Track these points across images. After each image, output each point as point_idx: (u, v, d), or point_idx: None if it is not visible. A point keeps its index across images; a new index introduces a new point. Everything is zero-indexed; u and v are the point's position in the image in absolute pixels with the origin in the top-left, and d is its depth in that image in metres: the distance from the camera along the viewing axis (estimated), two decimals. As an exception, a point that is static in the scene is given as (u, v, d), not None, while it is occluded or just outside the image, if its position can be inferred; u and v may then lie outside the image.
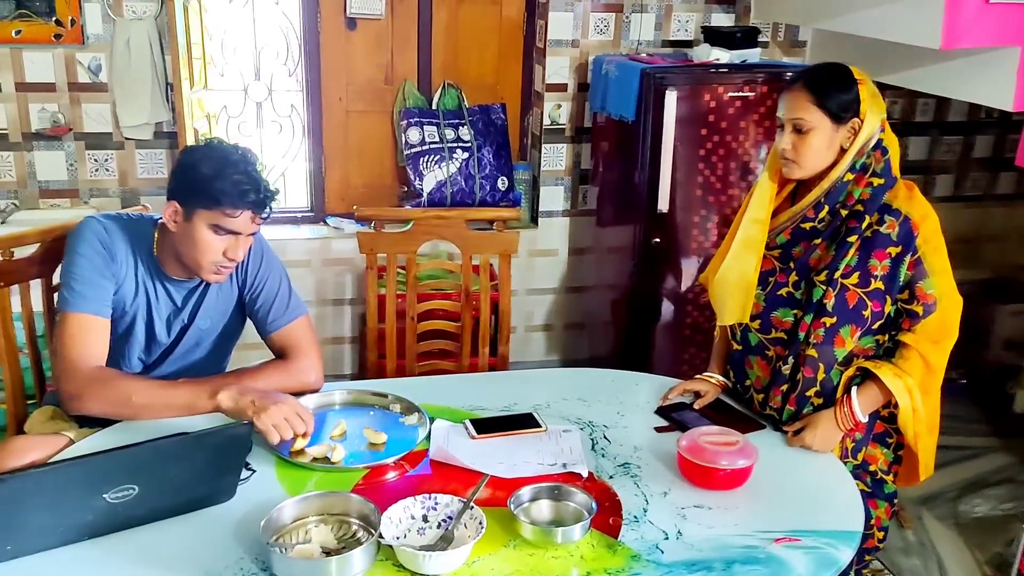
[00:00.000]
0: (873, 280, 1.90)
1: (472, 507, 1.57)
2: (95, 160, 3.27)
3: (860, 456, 1.99)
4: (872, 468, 2.01)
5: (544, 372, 2.40)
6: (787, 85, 1.95)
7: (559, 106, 3.54)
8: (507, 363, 2.72)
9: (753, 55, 3.01)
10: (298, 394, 2.01)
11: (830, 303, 1.91)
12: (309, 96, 3.49)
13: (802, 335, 1.96)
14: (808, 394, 1.97)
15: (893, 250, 1.89)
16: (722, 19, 3.53)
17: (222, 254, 1.88)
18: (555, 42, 3.47)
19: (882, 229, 1.89)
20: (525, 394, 2.17)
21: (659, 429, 1.99)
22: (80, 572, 1.46)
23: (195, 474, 1.54)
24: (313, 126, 3.55)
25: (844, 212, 1.92)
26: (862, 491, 1.98)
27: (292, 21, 3.43)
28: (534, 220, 3.71)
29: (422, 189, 3.46)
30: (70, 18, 3.07)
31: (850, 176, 1.91)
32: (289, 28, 3.45)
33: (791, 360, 1.98)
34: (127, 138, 3.23)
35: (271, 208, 1.91)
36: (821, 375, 1.95)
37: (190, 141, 3.10)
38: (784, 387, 2.00)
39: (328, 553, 1.49)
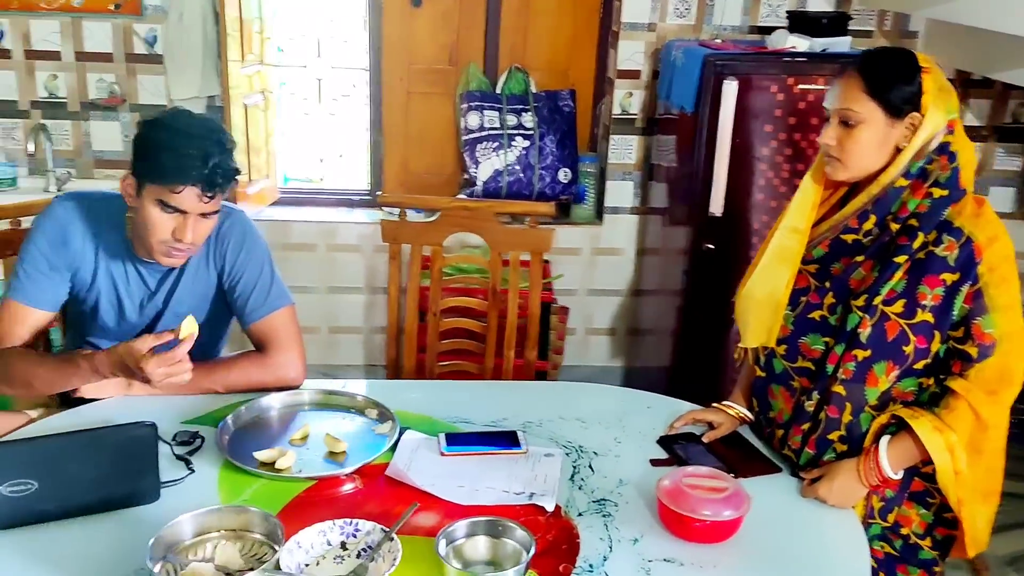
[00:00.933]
0: (920, 311, 1.59)
1: (393, 538, 1.39)
2: (150, 132, 3.26)
3: (891, 518, 1.68)
4: (905, 531, 1.69)
5: (548, 385, 2.19)
6: (838, 71, 1.67)
7: (630, 94, 3.29)
8: (532, 369, 2.52)
9: (840, 44, 2.67)
10: (277, 390, 1.90)
11: (865, 333, 1.62)
12: (372, 75, 3.38)
13: (830, 368, 1.67)
14: (831, 437, 1.68)
15: (949, 277, 1.58)
16: (820, 3, 3.18)
17: (171, 234, 1.75)
18: (629, 25, 3.21)
19: (938, 250, 1.58)
20: (521, 408, 1.96)
21: (655, 462, 1.75)
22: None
23: (102, 473, 1.42)
24: (374, 107, 3.43)
25: (895, 226, 1.62)
26: (888, 555, 1.68)
27: (357, -3, 3.33)
28: (599, 216, 3.47)
29: (477, 177, 3.28)
30: (129, -12, 3.07)
31: (904, 182, 1.61)
32: (354, 3, 3.34)
33: (815, 395, 1.69)
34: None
35: (223, 188, 1.74)
36: (847, 417, 1.65)
37: (237, 116, 3.03)
38: (805, 426, 1.71)
39: (229, 575, 1.34)
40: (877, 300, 1.61)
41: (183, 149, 1.69)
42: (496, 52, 3.36)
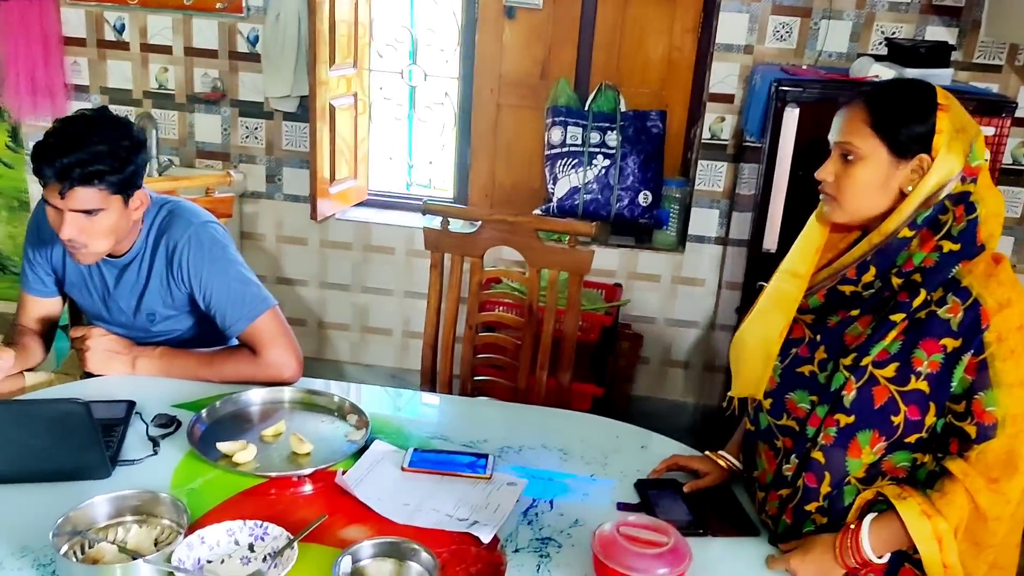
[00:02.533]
0: (914, 378, 1.41)
1: (293, 547, 1.36)
2: (246, 127, 3.41)
3: None
4: (889, 619, 1.50)
5: (545, 411, 2.07)
6: (846, 101, 1.51)
7: (722, 119, 3.13)
8: (567, 392, 2.43)
9: (939, 76, 2.42)
10: (272, 387, 1.93)
11: (849, 396, 1.44)
12: (463, 85, 3.38)
13: (811, 430, 1.50)
14: (808, 508, 1.50)
15: (950, 342, 1.39)
16: (940, 33, 2.91)
17: (58, 232, 1.83)
18: (724, 46, 3.06)
19: (940, 312, 1.40)
20: (505, 431, 1.90)
21: (622, 506, 1.63)
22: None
23: (44, 443, 1.48)
24: (463, 117, 3.43)
25: (898, 281, 1.44)
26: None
27: (455, 6, 3.34)
28: (682, 244, 3.32)
29: (553, 194, 3.22)
30: (234, -11, 3.22)
31: (909, 233, 1.43)
32: (450, 13, 3.36)
33: (794, 459, 1.53)
34: (276, 109, 3.33)
35: (79, 185, 1.76)
36: (826, 488, 1.48)
37: (322, 117, 3.11)
38: (784, 492, 1.55)
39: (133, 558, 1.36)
40: (866, 360, 1.44)
41: (45, 147, 1.77)
42: (588, 68, 3.29)
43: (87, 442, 1.49)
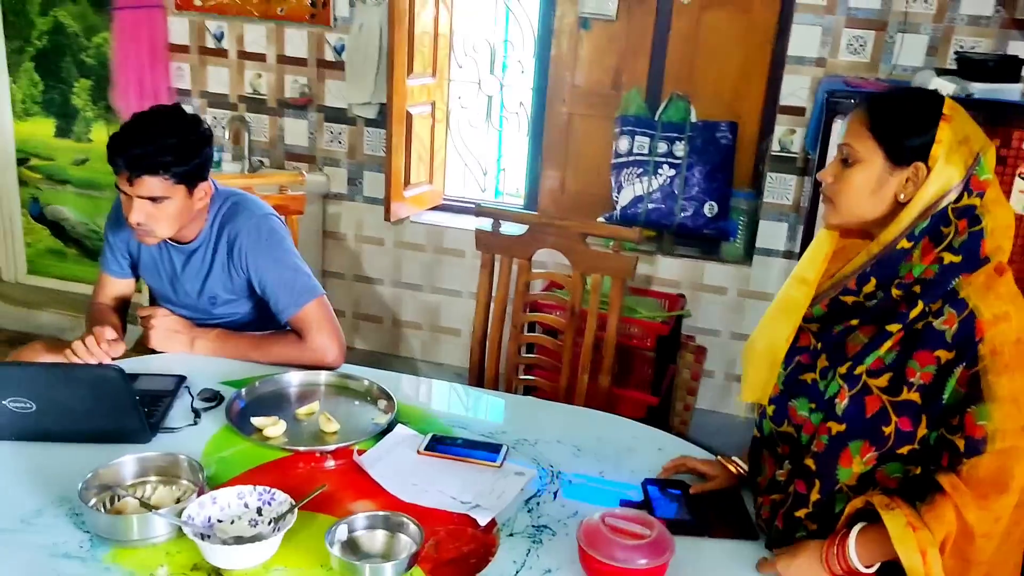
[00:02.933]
0: (907, 388, 1.40)
1: (294, 512, 1.46)
2: (331, 132, 3.59)
3: None
4: (876, 632, 1.48)
5: (568, 409, 2.11)
6: (854, 106, 1.52)
7: (792, 132, 3.10)
8: (605, 395, 2.46)
9: (1008, 91, 2.34)
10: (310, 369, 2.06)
11: (841, 404, 1.45)
12: (536, 95, 3.47)
13: (805, 438, 1.51)
14: (798, 514, 1.50)
15: (943, 354, 1.38)
16: (1021, 48, 2.81)
17: (127, 216, 2.00)
18: (796, 59, 3.04)
19: (936, 323, 1.39)
20: (528, 425, 1.97)
21: (624, 503, 1.67)
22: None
23: (86, 406, 1.63)
24: (535, 126, 3.52)
25: (898, 292, 1.43)
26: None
27: (531, 17, 3.43)
28: (748, 256, 3.29)
29: (617, 202, 3.26)
30: (323, 1, 3.40)
31: (907, 244, 1.42)
32: (527, 24, 3.45)
33: (787, 465, 1.54)
34: (358, 115, 3.49)
35: (147, 173, 1.94)
36: (815, 495, 1.48)
37: (398, 123, 3.25)
38: (775, 497, 1.56)
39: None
40: (860, 369, 1.44)
41: (118, 138, 1.96)
42: (660, 79, 3.32)
43: (124, 406, 1.64)
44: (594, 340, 2.47)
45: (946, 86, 2.28)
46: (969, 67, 2.44)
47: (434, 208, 3.61)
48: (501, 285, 2.54)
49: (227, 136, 3.57)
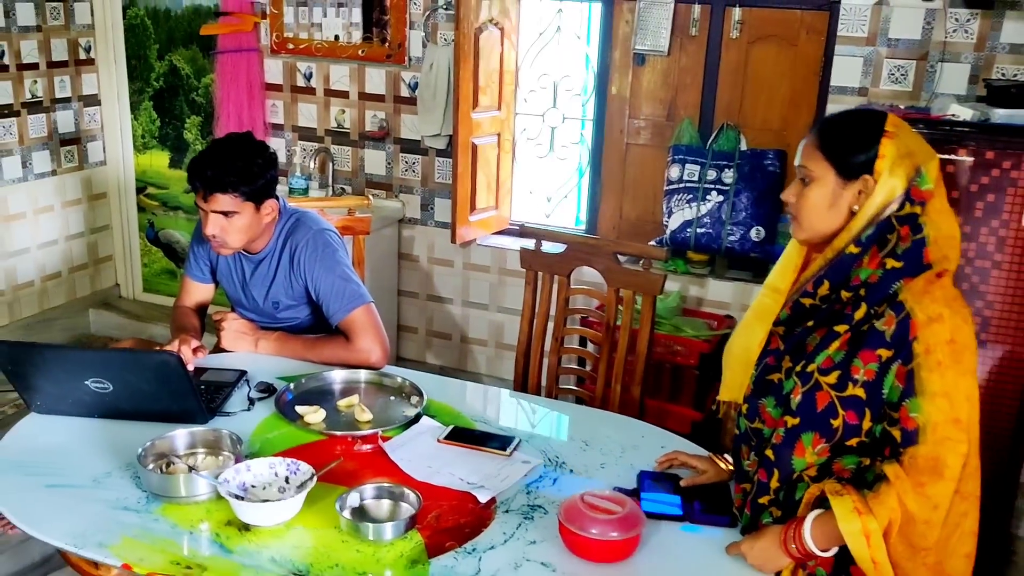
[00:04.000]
0: (852, 385, 1.53)
1: (313, 480, 1.69)
2: (406, 162, 3.88)
3: None
4: (835, 614, 1.60)
5: (583, 410, 2.28)
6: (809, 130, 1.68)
7: (837, 159, 3.18)
8: (637, 404, 2.61)
9: (1029, 116, 2.40)
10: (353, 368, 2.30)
11: (795, 400, 1.59)
12: (596, 126, 3.67)
13: (767, 431, 1.65)
14: (761, 501, 1.64)
15: (884, 352, 1.51)
16: (1068, 75, 2.84)
17: (205, 228, 2.28)
18: (838, 89, 3.14)
19: (878, 324, 1.52)
20: (544, 423, 2.17)
21: (617, 489, 1.82)
22: (66, 430, 1.94)
23: (148, 388, 1.91)
24: (594, 155, 3.72)
25: (847, 295, 1.57)
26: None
27: (591, 54, 3.64)
28: (797, 280, 3.38)
29: (667, 227, 3.41)
30: (399, 42, 3.71)
31: (855, 250, 1.55)
32: (587, 61, 3.67)
33: (753, 456, 1.68)
34: (429, 147, 3.77)
35: (219, 191, 2.21)
36: (775, 483, 1.62)
37: (463, 153, 3.51)
38: (746, 486, 1.70)
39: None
40: (811, 367, 1.58)
41: (197, 161, 2.26)
42: (712, 109, 3.47)
43: (183, 390, 1.91)
44: (627, 352, 2.63)
45: (964, 111, 2.36)
46: (994, 93, 2.51)
47: (500, 232, 3.84)
48: (543, 300, 2.74)
49: (314, 166, 3.91)
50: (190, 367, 2.24)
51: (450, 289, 3.95)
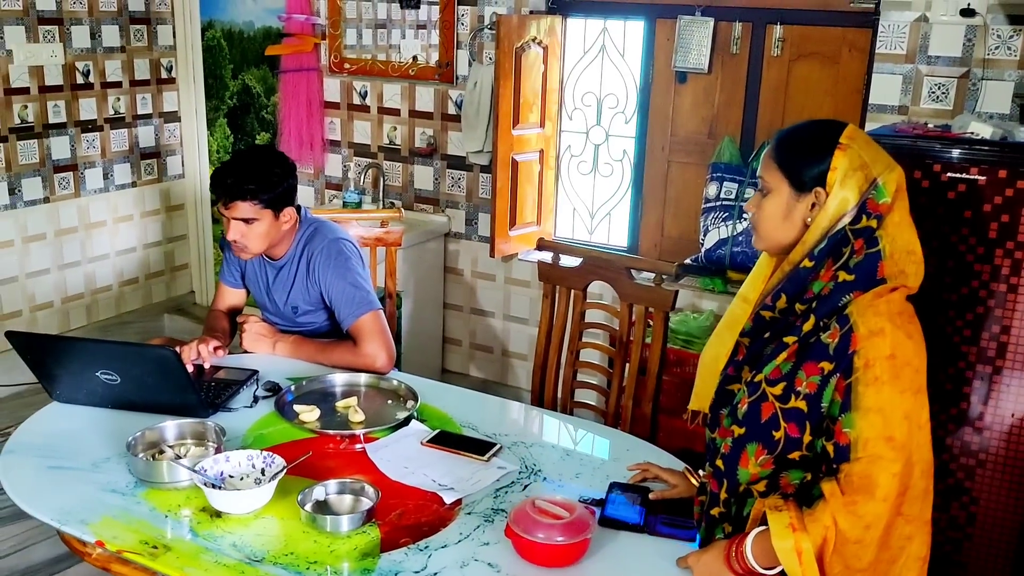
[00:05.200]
0: (795, 397, 1.52)
1: (283, 471, 1.77)
2: (452, 177, 3.98)
3: None
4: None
5: (575, 420, 2.27)
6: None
7: (876, 179, 3.10)
8: (647, 421, 2.61)
9: (1062, 135, 2.30)
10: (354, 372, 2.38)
11: (742, 410, 1.59)
12: (638, 144, 3.68)
13: (719, 441, 1.64)
14: (713, 512, 1.64)
15: (826, 365, 1.50)
16: (1118, 93, 2.71)
17: (227, 233, 2.41)
18: (877, 107, 3.07)
19: (823, 337, 1.51)
20: (532, 431, 2.22)
21: (583, 500, 1.84)
22: (80, 418, 2.09)
23: (151, 381, 2.03)
24: (636, 173, 3.72)
25: (801, 307, 1.56)
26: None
27: (635, 72, 3.66)
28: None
29: (703, 245, 3.38)
30: (447, 61, 3.81)
31: (809, 263, 1.55)
32: (630, 78, 3.68)
33: (708, 467, 1.67)
34: (473, 163, 3.86)
35: (238, 199, 2.33)
36: (724, 494, 1.62)
37: (503, 169, 3.58)
38: (703, 498, 1.69)
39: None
40: (759, 377, 1.58)
41: (219, 170, 2.39)
42: (753, 127, 3.43)
43: (181, 384, 2.03)
44: (639, 368, 2.63)
45: (983, 128, 2.28)
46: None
47: (542, 248, 3.89)
48: (559, 314, 2.77)
49: (367, 181, 4.06)
50: (206, 365, 2.38)
51: (492, 303, 4.02)
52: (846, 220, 1.52)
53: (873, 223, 1.51)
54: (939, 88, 2.97)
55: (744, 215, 3.32)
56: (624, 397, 2.66)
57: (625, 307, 2.65)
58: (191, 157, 4.75)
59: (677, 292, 2.58)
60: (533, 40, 3.58)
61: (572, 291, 2.75)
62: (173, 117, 4.67)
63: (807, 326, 1.53)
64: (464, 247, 4.02)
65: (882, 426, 1.44)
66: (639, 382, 2.61)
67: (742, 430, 1.58)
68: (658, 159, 3.67)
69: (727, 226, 3.35)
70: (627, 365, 2.62)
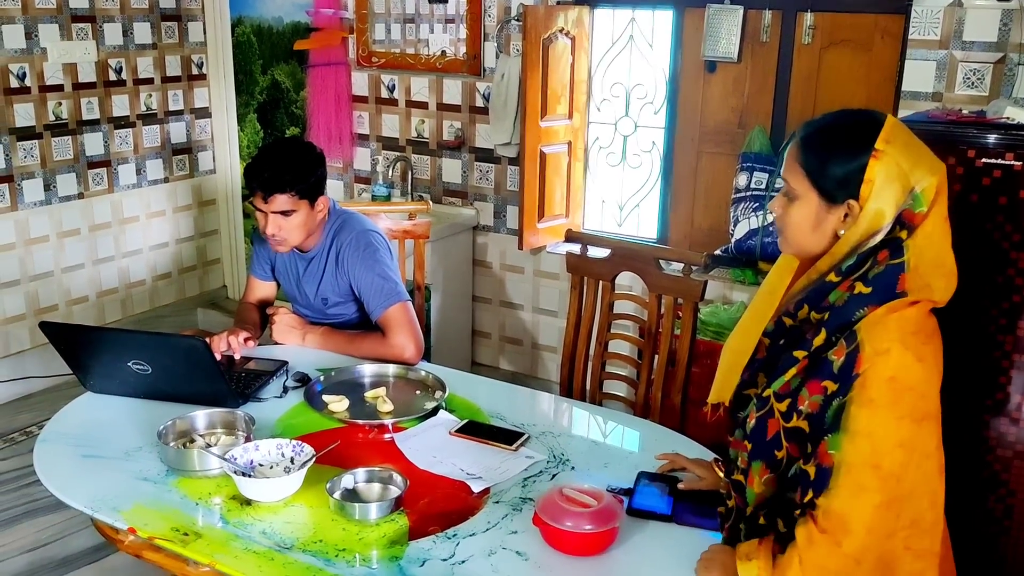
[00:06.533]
0: (796, 416, 1.43)
1: (312, 460, 1.78)
2: (480, 170, 3.98)
3: None
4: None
5: (601, 410, 2.26)
6: (794, 135, 1.57)
7: (910, 167, 3.06)
8: (677, 412, 2.59)
9: (1100, 119, 2.24)
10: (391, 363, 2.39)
11: (750, 424, 1.50)
12: (668, 134, 3.66)
13: (733, 452, 1.58)
14: (740, 526, 1.56)
15: (830, 385, 1.39)
16: None
17: (264, 229, 2.40)
18: (910, 94, 3.02)
19: (829, 354, 1.41)
20: (560, 421, 2.22)
21: (610, 489, 1.83)
22: (113, 408, 2.11)
23: (182, 371, 2.05)
24: (666, 164, 3.70)
25: (816, 316, 1.45)
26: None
27: (663, 62, 3.63)
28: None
29: (732, 235, 3.35)
30: (474, 54, 3.81)
31: (834, 278, 1.43)
32: (659, 68, 3.66)
33: (726, 479, 1.63)
34: (502, 155, 3.85)
35: (278, 192, 2.33)
36: (749, 509, 1.53)
37: (531, 161, 3.57)
38: (720, 509, 1.64)
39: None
40: (768, 392, 1.49)
41: (253, 165, 2.38)
42: (784, 117, 3.39)
43: (211, 374, 2.05)
44: (668, 359, 2.62)
45: (1020, 113, 2.23)
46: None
47: (571, 240, 3.87)
48: (588, 305, 2.76)
49: (395, 174, 4.07)
50: (237, 356, 2.40)
51: (521, 295, 4.01)
52: (879, 236, 1.40)
53: (903, 234, 1.40)
54: (974, 74, 2.92)
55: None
56: (653, 388, 2.64)
57: (654, 298, 2.63)
58: (222, 152, 4.79)
59: (706, 283, 2.56)
60: (560, 31, 3.56)
61: (600, 282, 2.74)
62: (204, 113, 4.71)
63: (818, 340, 1.43)
64: (493, 240, 4.02)
65: (869, 453, 1.34)
66: (668, 373, 2.60)
67: (749, 446, 1.50)
68: (687, 150, 3.64)
69: (757, 216, 3.31)
70: (656, 356, 2.62)
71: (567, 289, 3.87)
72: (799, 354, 1.45)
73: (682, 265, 2.58)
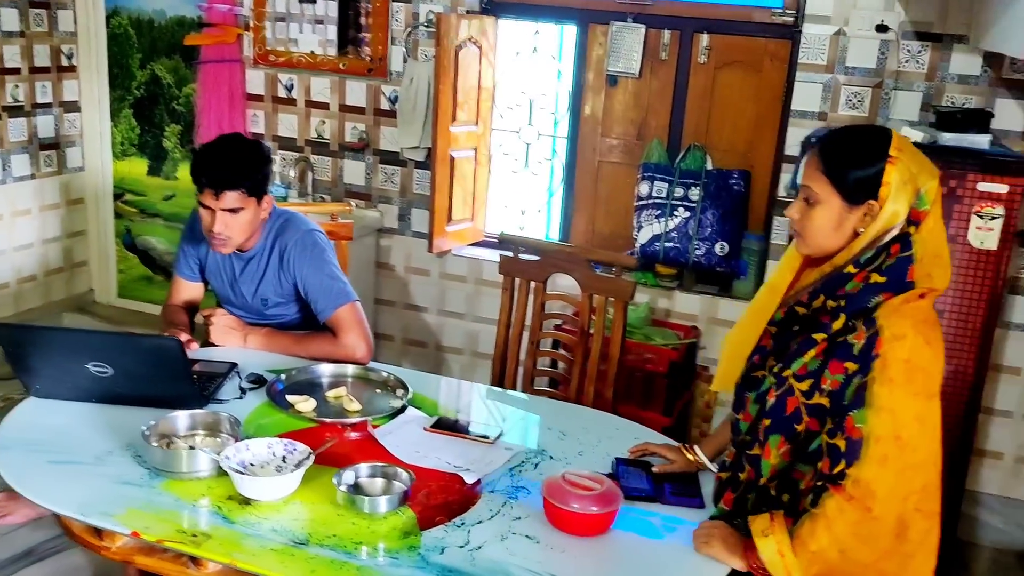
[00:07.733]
0: (819, 394, 1.60)
1: (309, 459, 1.78)
2: (385, 173, 3.99)
3: None
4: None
5: (560, 404, 2.41)
6: (808, 146, 1.77)
7: (798, 179, 3.37)
8: (610, 406, 2.73)
9: (978, 141, 2.59)
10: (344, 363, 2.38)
11: (770, 401, 1.66)
12: (570, 143, 3.83)
13: (744, 426, 1.73)
14: (749, 496, 1.71)
15: (850, 366, 1.57)
16: (1009, 105, 3.05)
17: (209, 227, 2.35)
18: (799, 113, 3.33)
19: (849, 337, 1.59)
20: (524, 415, 2.29)
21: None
22: (66, 412, 2.02)
23: (146, 372, 1.99)
24: (568, 172, 3.87)
25: (832, 304, 1.63)
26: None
27: (566, 74, 3.80)
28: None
29: (637, 240, 3.56)
30: (380, 57, 3.83)
31: (853, 269, 1.62)
32: (561, 81, 3.82)
33: (731, 449, 1.78)
34: (408, 158, 3.89)
35: (229, 189, 2.29)
36: (762, 480, 1.68)
37: (442, 166, 3.64)
38: (723, 475, 1.78)
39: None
40: (787, 372, 1.65)
41: (201, 161, 2.33)
42: (680, 130, 3.63)
43: (180, 374, 1.99)
44: (600, 357, 2.76)
45: (915, 134, 2.54)
46: (942, 119, 2.71)
47: (476, 244, 3.97)
48: (519, 306, 2.86)
49: (294, 175, 4.01)
50: None
51: (426, 298, 4.05)
52: (894, 232, 1.59)
53: (911, 229, 1.59)
54: (855, 96, 3.25)
55: (673, 213, 3.52)
56: (586, 383, 2.78)
57: (586, 298, 2.77)
58: (92, 149, 4.53)
59: (636, 283, 2.72)
60: (469, 39, 3.65)
61: (532, 284, 2.84)
62: (74, 107, 4.44)
63: (837, 324, 1.60)
64: (397, 243, 4.03)
65: (892, 425, 1.52)
66: (599, 370, 2.74)
67: (767, 422, 1.65)
68: (589, 159, 3.81)
69: (659, 223, 3.53)
70: (589, 354, 2.75)
71: (474, 292, 3.97)
72: (818, 336, 1.62)
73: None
